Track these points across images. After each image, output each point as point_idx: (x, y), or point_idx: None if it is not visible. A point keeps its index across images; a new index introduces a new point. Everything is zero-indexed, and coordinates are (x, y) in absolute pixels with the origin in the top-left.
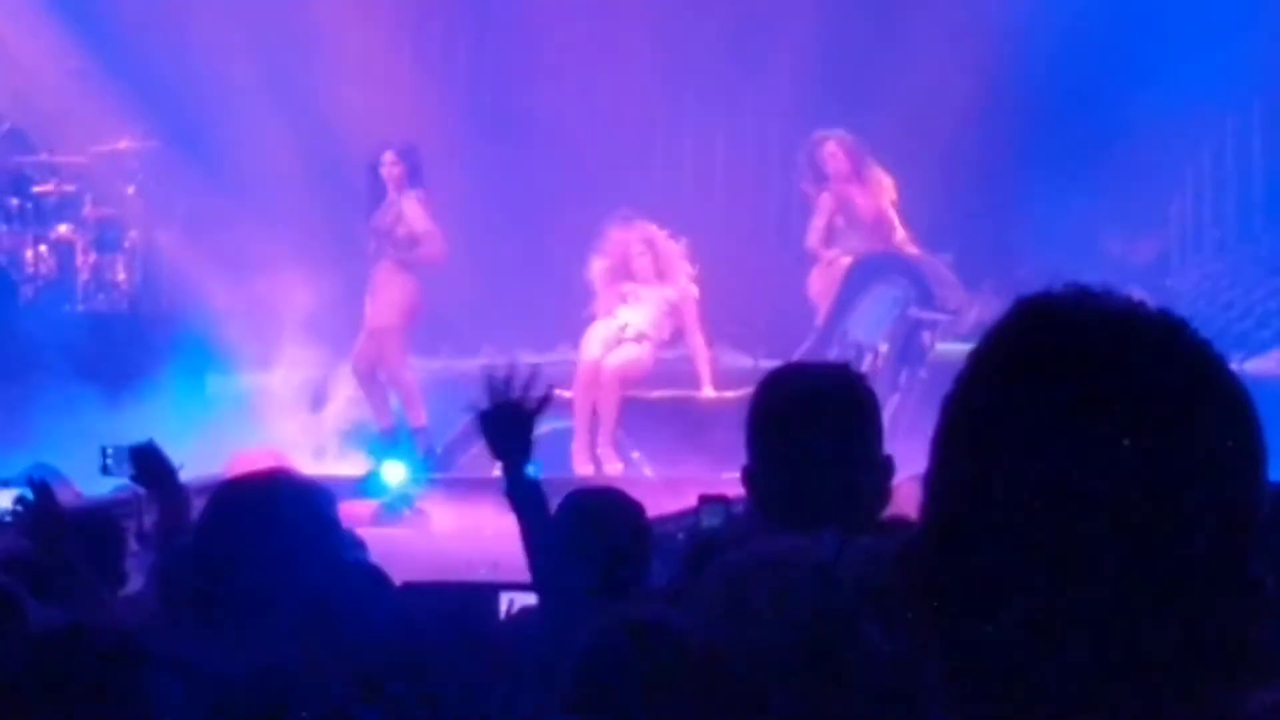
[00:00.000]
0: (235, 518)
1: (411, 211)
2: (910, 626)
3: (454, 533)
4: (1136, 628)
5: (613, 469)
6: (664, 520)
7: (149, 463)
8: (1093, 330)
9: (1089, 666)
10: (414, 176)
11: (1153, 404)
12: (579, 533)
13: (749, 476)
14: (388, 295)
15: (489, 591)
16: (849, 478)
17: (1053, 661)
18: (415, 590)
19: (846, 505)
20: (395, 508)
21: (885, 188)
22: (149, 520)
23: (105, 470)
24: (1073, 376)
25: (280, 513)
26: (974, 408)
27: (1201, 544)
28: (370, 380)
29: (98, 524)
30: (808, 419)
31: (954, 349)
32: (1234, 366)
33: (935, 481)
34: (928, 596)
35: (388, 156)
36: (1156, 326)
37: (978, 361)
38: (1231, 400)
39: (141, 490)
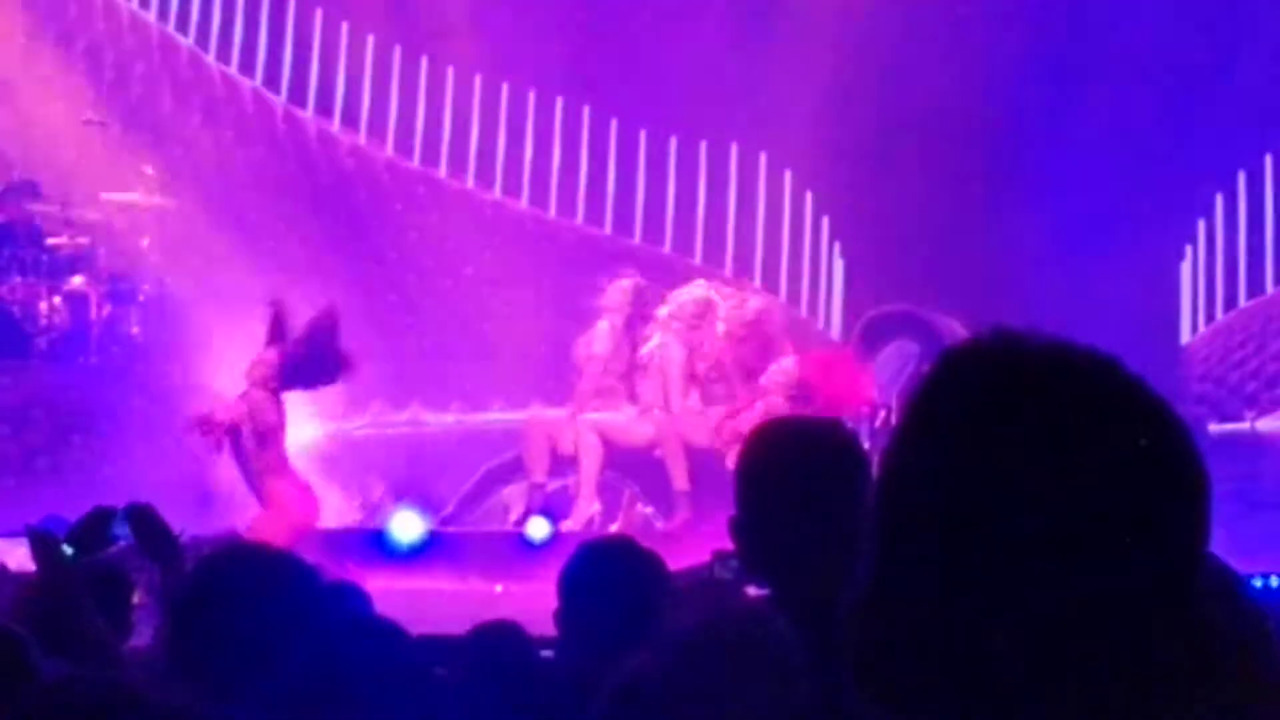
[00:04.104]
0: (209, 599)
1: None
2: (855, 682)
3: (465, 587)
4: (1081, 670)
5: (592, 510)
6: (676, 575)
7: (145, 527)
8: (1020, 374)
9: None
10: None
11: (1084, 445)
12: (598, 582)
13: (736, 528)
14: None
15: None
16: (834, 533)
17: (996, 710)
18: (428, 644)
19: (828, 559)
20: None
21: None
22: (155, 575)
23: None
24: (1001, 421)
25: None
26: (904, 457)
27: (1139, 580)
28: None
29: (105, 576)
30: (797, 473)
31: None
32: (1244, 425)
33: (874, 532)
34: (868, 653)
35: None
36: (1087, 366)
37: (906, 414)
38: (1168, 435)
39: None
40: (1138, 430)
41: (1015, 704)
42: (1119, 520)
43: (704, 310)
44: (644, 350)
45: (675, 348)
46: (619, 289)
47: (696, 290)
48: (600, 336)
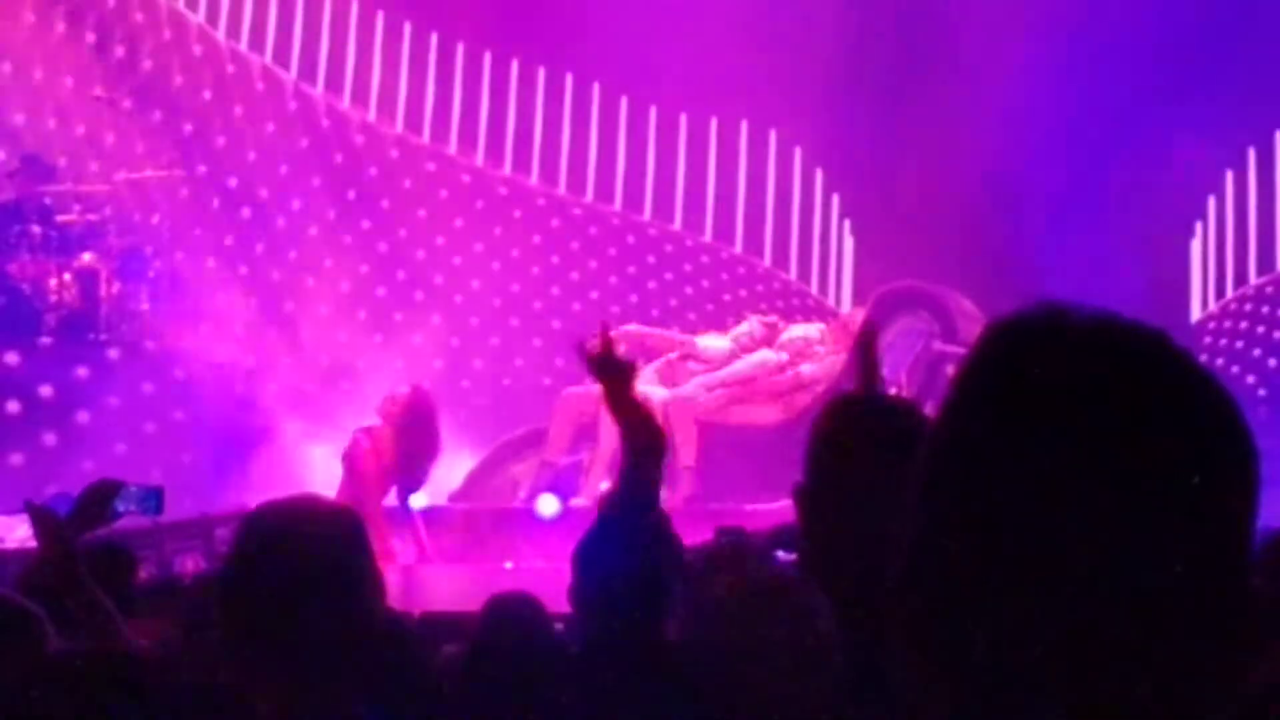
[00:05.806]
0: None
1: None
2: (906, 657)
3: (475, 564)
4: (1128, 649)
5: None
6: (685, 551)
7: (95, 503)
8: (1069, 346)
9: (1081, 697)
10: None
11: (1135, 418)
12: (613, 558)
13: (804, 495)
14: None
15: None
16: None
17: (1044, 693)
18: (435, 622)
19: (890, 533)
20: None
21: None
22: (170, 549)
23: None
24: (1052, 396)
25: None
26: (953, 435)
27: (1193, 557)
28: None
29: (108, 551)
30: (871, 445)
31: None
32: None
33: (921, 505)
34: (911, 625)
35: None
36: (1135, 338)
37: (955, 388)
38: (1217, 409)
39: (161, 521)
40: (1196, 402)
41: (1059, 680)
42: (1175, 493)
43: (807, 349)
44: (747, 355)
45: (770, 359)
46: (749, 333)
47: (811, 329)
48: (711, 351)
